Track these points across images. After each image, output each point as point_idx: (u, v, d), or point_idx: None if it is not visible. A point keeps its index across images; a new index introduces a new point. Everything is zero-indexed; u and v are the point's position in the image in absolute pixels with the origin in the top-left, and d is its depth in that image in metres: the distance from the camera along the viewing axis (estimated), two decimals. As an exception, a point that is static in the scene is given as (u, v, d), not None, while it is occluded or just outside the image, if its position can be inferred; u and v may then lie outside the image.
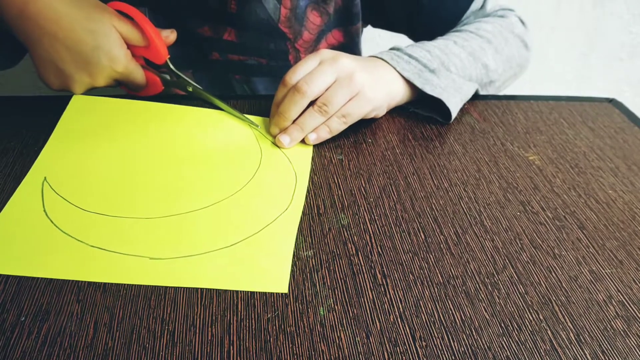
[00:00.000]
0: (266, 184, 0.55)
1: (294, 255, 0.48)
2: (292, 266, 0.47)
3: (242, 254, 0.47)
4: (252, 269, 0.46)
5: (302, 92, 0.58)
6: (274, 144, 0.61)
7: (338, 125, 0.61)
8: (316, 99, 0.60)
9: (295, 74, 0.60)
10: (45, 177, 0.54)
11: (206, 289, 0.44)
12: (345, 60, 0.61)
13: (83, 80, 0.62)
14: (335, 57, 0.61)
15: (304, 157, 0.60)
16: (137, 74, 0.64)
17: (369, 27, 0.92)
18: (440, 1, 0.78)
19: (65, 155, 0.57)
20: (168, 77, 0.66)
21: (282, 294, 0.44)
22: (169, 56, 0.64)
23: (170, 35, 0.65)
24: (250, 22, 0.76)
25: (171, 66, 0.65)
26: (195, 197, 0.53)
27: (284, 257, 0.47)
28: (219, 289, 0.44)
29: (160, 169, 0.56)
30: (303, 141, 0.61)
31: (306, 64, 0.61)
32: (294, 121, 0.61)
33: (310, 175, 0.57)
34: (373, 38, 1.02)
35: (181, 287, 0.44)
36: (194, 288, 0.44)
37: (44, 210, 0.50)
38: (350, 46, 0.84)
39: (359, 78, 0.60)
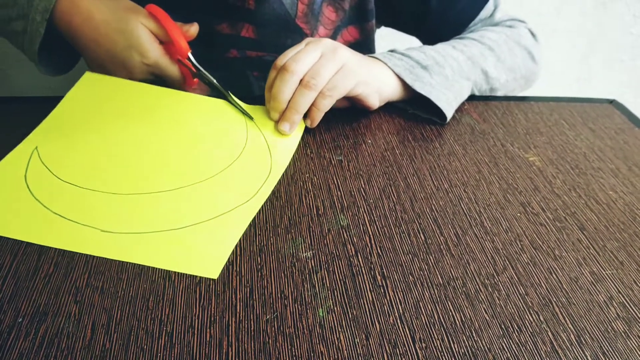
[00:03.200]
0: (237, 176, 0.56)
1: (292, 255, 0.47)
2: (287, 265, 0.46)
3: (187, 238, 0.49)
4: (190, 253, 0.48)
5: (291, 70, 0.60)
6: (275, 130, 0.62)
7: (325, 101, 0.61)
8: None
9: (285, 57, 0.62)
10: (36, 147, 0.58)
11: (205, 288, 0.44)
12: (330, 40, 0.63)
13: (122, 76, 0.67)
14: (320, 39, 0.63)
15: (286, 154, 0.60)
16: (170, 67, 0.68)
17: (383, 28, 0.92)
18: (449, 5, 0.79)
19: (61, 129, 0.61)
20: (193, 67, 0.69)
21: (282, 294, 0.44)
22: (190, 51, 0.67)
23: (191, 29, 0.68)
24: (268, 18, 0.78)
25: (193, 61, 0.67)
26: (165, 179, 0.55)
27: (226, 246, 0.48)
28: (162, 269, 0.46)
29: (143, 150, 0.59)
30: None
31: (294, 49, 0.63)
32: (288, 104, 0.62)
33: (286, 172, 0.58)
34: (387, 35, 1.01)
35: (180, 287, 0.44)
36: (192, 288, 0.44)
37: (25, 176, 0.54)
38: (366, 43, 0.84)
39: (343, 52, 0.62)
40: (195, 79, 0.70)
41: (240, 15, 0.77)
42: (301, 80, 0.61)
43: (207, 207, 0.52)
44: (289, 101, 0.61)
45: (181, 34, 0.67)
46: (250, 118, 0.64)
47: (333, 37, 0.82)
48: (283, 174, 0.57)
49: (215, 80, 0.67)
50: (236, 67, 0.81)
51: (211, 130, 0.62)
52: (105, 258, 0.46)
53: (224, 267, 0.46)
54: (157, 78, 0.69)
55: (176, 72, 0.69)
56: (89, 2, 0.66)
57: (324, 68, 0.61)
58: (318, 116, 0.62)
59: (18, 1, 0.67)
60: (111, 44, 0.65)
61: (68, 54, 0.73)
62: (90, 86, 0.66)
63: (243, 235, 0.49)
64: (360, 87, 0.63)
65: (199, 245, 0.48)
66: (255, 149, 0.60)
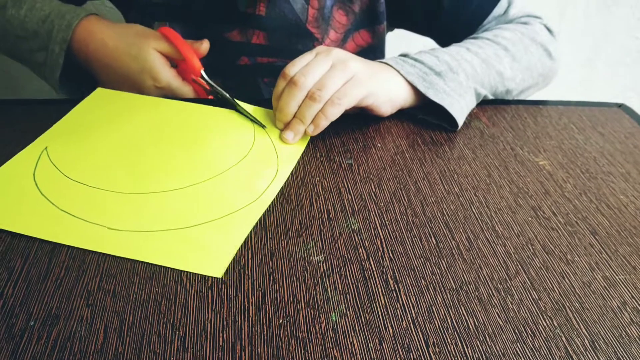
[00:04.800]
0: (244, 175, 0.57)
1: (304, 259, 0.47)
2: (299, 269, 0.46)
3: (194, 237, 0.49)
4: (196, 252, 0.48)
5: (299, 84, 0.60)
6: (279, 138, 0.63)
7: (333, 110, 0.61)
8: None
9: (294, 67, 0.62)
10: (46, 147, 0.59)
11: (217, 292, 0.44)
12: (340, 50, 0.63)
13: None
14: (330, 49, 0.63)
15: (293, 156, 0.61)
16: (182, 89, 0.70)
17: (396, 31, 0.92)
18: (462, 4, 0.78)
19: (71, 132, 0.62)
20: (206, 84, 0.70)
21: (294, 298, 0.44)
22: (203, 69, 0.69)
23: (202, 47, 0.71)
24: (279, 23, 0.78)
25: (206, 78, 0.69)
26: (171, 179, 0.56)
27: (232, 245, 0.48)
28: (163, 266, 0.46)
29: (150, 152, 0.59)
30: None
31: (304, 58, 0.63)
32: (295, 115, 0.62)
33: (296, 175, 0.58)
34: (394, 40, 1.01)
35: (192, 291, 0.44)
36: (204, 292, 0.44)
37: (34, 174, 0.55)
38: (379, 46, 0.84)
39: (353, 64, 0.62)
40: (210, 97, 0.71)
41: (251, 22, 0.78)
42: (308, 91, 0.60)
43: (214, 207, 0.52)
44: (296, 112, 0.61)
45: (193, 53, 0.69)
46: (262, 126, 0.64)
47: (344, 40, 0.82)
48: (293, 177, 0.57)
49: (228, 95, 0.67)
50: (247, 74, 0.81)
51: (218, 133, 0.63)
52: (116, 260, 0.46)
53: (235, 271, 0.46)
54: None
55: (189, 92, 0.70)
56: (103, 29, 0.70)
57: (331, 79, 0.60)
58: (323, 124, 0.61)
59: (39, 33, 0.70)
60: (125, 69, 0.68)
61: (86, 79, 0.75)
62: (100, 98, 0.68)
63: (254, 238, 0.49)
64: (370, 98, 0.63)
65: (205, 244, 0.49)
66: (262, 149, 0.61)
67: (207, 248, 0.48)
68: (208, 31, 0.75)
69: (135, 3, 0.79)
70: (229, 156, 0.59)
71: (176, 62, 0.71)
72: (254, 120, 0.64)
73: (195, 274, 0.46)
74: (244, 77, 0.81)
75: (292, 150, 0.61)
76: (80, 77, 0.74)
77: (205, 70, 0.69)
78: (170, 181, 0.55)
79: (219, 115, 0.66)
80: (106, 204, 0.52)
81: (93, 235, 0.49)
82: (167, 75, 0.68)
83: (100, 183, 0.54)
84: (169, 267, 0.46)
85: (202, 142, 0.61)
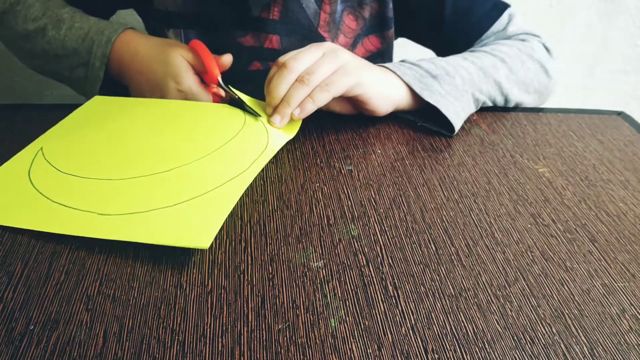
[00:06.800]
0: (232, 154, 0.59)
1: (303, 265, 0.47)
2: (298, 274, 0.46)
3: (182, 213, 0.51)
4: (184, 226, 0.49)
5: (289, 67, 0.61)
6: (262, 121, 0.64)
7: (321, 95, 0.62)
8: None
9: (287, 55, 0.63)
10: (41, 147, 0.60)
11: (216, 297, 0.44)
12: (332, 44, 0.65)
13: None
14: (323, 42, 0.65)
15: (283, 137, 0.63)
16: (202, 94, 0.72)
17: (398, 40, 0.93)
18: (462, 16, 0.79)
19: (66, 134, 0.63)
20: (223, 92, 0.72)
21: (293, 304, 0.44)
22: (220, 76, 0.72)
23: (225, 60, 0.73)
24: (292, 28, 0.79)
25: (222, 84, 0.71)
26: (161, 162, 0.57)
27: (218, 216, 0.50)
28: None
29: (142, 141, 0.61)
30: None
31: (297, 50, 0.64)
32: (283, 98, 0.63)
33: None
34: (401, 51, 1.01)
35: (192, 296, 0.44)
36: (204, 297, 0.44)
37: (29, 171, 0.57)
38: (388, 51, 0.86)
39: (344, 54, 0.64)
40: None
41: (265, 26, 0.79)
42: (298, 76, 0.62)
43: (200, 184, 0.54)
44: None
45: (215, 63, 0.71)
46: (257, 115, 0.65)
47: (353, 45, 0.83)
48: (293, 183, 0.57)
49: (238, 95, 0.68)
50: (259, 80, 0.82)
51: (209, 121, 0.65)
52: (116, 265, 0.47)
53: (235, 276, 0.46)
54: None
55: (208, 99, 0.71)
56: (137, 40, 0.74)
57: (321, 66, 0.62)
58: (309, 108, 0.62)
59: (79, 50, 0.74)
60: (152, 73, 0.71)
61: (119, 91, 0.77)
62: (97, 104, 0.70)
63: (254, 244, 0.49)
64: (360, 87, 0.64)
65: (192, 218, 0.50)
66: (252, 131, 0.62)
67: (194, 222, 0.49)
68: (222, 37, 0.77)
69: (152, 10, 0.81)
70: (217, 139, 0.61)
71: (201, 75, 0.73)
72: (252, 112, 0.65)
73: (195, 278, 0.46)
74: (256, 84, 0.82)
75: (283, 133, 0.63)
76: (113, 89, 0.77)
77: (221, 78, 0.71)
78: (159, 165, 0.57)
79: (212, 107, 0.68)
80: (96, 192, 0.53)
81: (84, 222, 0.50)
82: (189, 80, 0.70)
83: (91, 173, 0.56)
84: (168, 272, 0.46)
85: (192, 130, 0.63)
